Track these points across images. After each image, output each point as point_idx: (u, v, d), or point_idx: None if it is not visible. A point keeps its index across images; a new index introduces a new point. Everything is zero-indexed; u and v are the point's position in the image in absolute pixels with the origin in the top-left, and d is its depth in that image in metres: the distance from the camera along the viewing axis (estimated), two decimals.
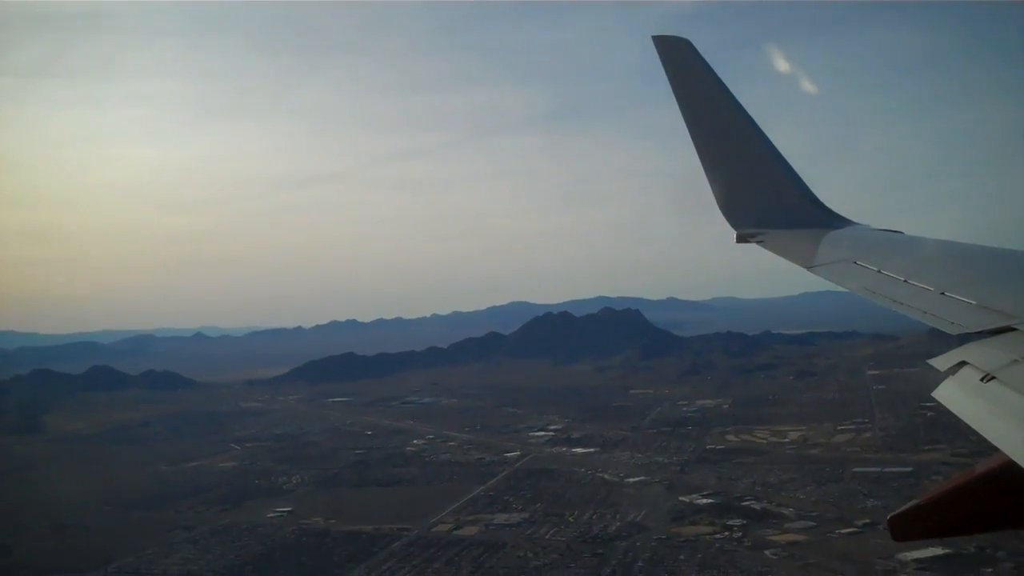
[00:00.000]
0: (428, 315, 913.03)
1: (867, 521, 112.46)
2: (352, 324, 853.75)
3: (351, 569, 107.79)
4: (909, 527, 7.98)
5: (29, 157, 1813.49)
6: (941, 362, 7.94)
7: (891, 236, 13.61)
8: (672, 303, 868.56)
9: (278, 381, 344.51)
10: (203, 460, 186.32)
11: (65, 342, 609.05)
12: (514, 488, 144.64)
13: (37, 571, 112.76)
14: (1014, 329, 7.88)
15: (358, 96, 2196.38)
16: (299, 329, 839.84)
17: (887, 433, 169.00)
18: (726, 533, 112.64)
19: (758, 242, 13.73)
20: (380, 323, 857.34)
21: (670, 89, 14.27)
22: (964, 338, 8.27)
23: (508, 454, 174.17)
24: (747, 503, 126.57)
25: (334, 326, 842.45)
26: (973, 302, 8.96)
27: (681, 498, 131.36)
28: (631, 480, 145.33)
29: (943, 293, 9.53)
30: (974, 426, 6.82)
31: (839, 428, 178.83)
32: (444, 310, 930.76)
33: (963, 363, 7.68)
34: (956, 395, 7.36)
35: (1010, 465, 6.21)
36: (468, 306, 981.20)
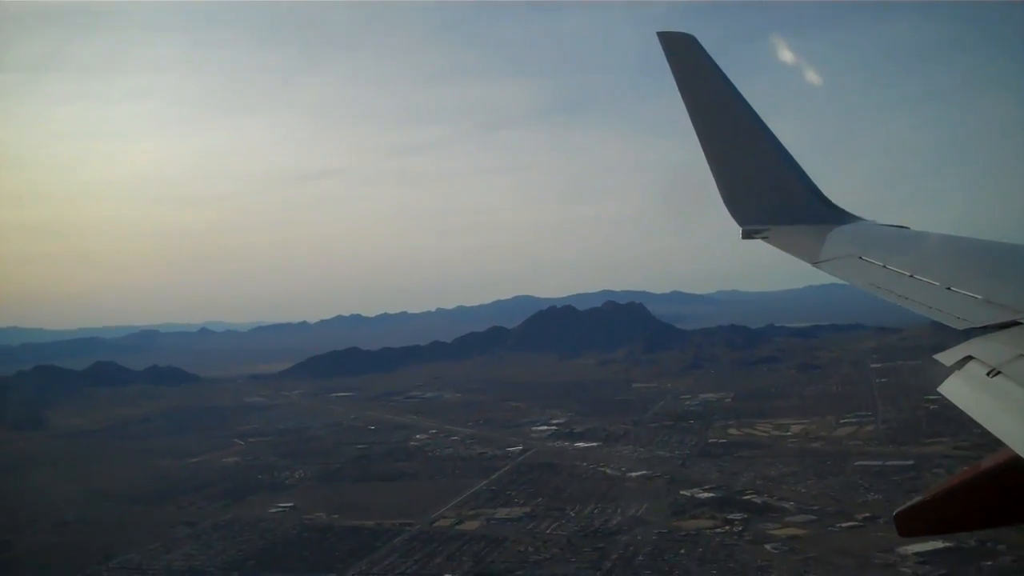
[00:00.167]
0: (432, 309, 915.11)
1: (868, 515, 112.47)
2: (356, 319, 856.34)
3: (353, 564, 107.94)
4: (915, 523, 8.04)
5: (31, 153, 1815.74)
6: (947, 357, 7.94)
7: (896, 231, 13.63)
8: (676, 296, 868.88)
9: (282, 376, 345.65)
10: (206, 455, 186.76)
11: (69, 338, 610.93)
12: (516, 483, 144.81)
13: (38, 567, 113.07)
14: (1020, 324, 7.87)
15: (362, 91, 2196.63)
16: (303, 324, 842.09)
17: (889, 426, 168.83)
18: (727, 527, 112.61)
19: (763, 238, 13.76)
20: (384, 318, 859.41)
21: (674, 84, 14.27)
22: (969, 333, 8.26)
23: (510, 448, 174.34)
24: (748, 497, 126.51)
25: (339, 321, 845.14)
26: (979, 297, 8.97)
27: (682, 492, 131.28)
28: (633, 474, 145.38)
29: (949, 288, 9.55)
30: (980, 421, 6.80)
31: (841, 421, 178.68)
32: (448, 304, 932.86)
33: (969, 358, 7.68)
34: (962, 390, 7.35)
35: (1016, 461, 6.22)
36: (472, 300, 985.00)
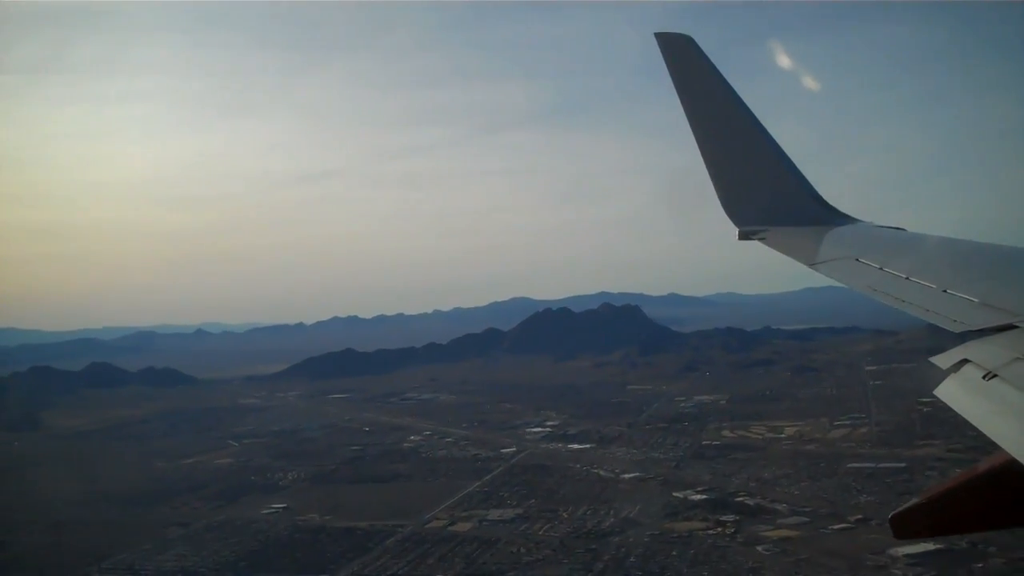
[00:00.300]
0: (429, 311, 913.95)
1: (860, 517, 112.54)
2: (353, 320, 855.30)
3: (345, 565, 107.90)
4: (911, 525, 7.99)
5: (30, 154, 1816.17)
6: (943, 360, 7.95)
7: (893, 233, 13.63)
8: (673, 299, 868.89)
9: (277, 377, 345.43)
10: (200, 456, 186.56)
11: (66, 339, 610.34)
12: (509, 484, 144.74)
13: (31, 567, 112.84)
14: (1016, 327, 7.86)
15: (360, 92, 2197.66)
16: (300, 325, 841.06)
17: (883, 429, 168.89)
18: (719, 529, 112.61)
19: (760, 239, 13.78)
20: (381, 319, 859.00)
21: (672, 85, 14.30)
22: (965, 335, 8.27)
23: (504, 450, 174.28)
24: (741, 499, 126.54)
25: (335, 322, 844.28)
26: (975, 300, 8.95)
27: (675, 494, 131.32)
28: (626, 476, 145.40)
29: (945, 291, 9.54)
30: (976, 424, 6.80)
31: (835, 424, 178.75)
32: (446, 306, 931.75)
33: (965, 361, 7.67)
34: (958, 393, 7.36)
35: (1012, 463, 6.22)
36: (469, 302, 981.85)
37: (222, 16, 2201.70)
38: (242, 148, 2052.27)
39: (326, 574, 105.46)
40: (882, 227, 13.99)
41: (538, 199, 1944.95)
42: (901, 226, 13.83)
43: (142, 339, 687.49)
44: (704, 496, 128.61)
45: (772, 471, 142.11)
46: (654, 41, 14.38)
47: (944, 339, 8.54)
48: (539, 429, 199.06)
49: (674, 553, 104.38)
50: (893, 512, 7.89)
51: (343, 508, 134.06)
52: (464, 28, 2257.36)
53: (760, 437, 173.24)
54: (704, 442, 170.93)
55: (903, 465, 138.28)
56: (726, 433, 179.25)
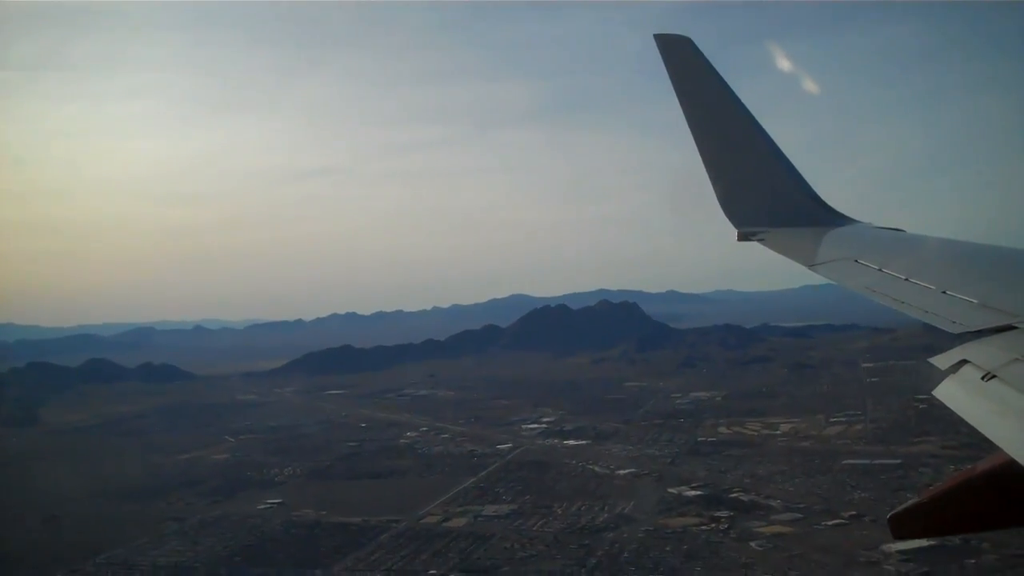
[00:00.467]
0: (428, 308, 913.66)
1: (854, 513, 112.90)
2: (352, 317, 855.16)
3: (338, 560, 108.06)
4: (909, 525, 8.05)
5: (29, 151, 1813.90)
6: (942, 360, 7.94)
7: (892, 234, 13.61)
8: (672, 296, 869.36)
9: (275, 374, 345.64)
10: (197, 452, 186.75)
11: (65, 335, 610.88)
12: (505, 480, 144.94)
13: (27, 562, 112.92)
14: (1015, 328, 7.86)
15: (359, 90, 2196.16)
16: (299, 322, 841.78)
17: (878, 426, 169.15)
18: (713, 525, 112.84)
19: (759, 240, 13.77)
20: (380, 316, 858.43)
21: (671, 85, 14.30)
22: (964, 335, 8.27)
23: (500, 446, 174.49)
24: (735, 495, 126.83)
25: (334, 319, 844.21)
26: (974, 301, 8.94)
27: (670, 490, 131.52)
28: (621, 472, 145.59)
29: (944, 292, 9.53)
30: (975, 425, 6.81)
31: (831, 420, 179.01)
32: (444, 303, 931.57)
33: (964, 362, 7.67)
34: (957, 394, 7.35)
35: (1011, 464, 6.22)
36: (468, 299, 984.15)
37: (221, 14, 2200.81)
38: (242, 145, 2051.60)
39: (320, 569, 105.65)
40: (881, 228, 14.00)
41: (537, 197, 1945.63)
42: (900, 227, 13.85)
43: (141, 335, 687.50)
44: (699, 492, 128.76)
45: (767, 467, 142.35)
46: (653, 40, 14.40)
47: (941, 337, 8.59)
48: (535, 425, 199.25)
49: (667, 549, 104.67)
50: (891, 512, 7.92)
51: (338, 504, 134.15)
52: (463, 26, 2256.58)
53: (756, 433, 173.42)
54: (700, 438, 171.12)
55: (898, 462, 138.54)
56: (722, 429, 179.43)
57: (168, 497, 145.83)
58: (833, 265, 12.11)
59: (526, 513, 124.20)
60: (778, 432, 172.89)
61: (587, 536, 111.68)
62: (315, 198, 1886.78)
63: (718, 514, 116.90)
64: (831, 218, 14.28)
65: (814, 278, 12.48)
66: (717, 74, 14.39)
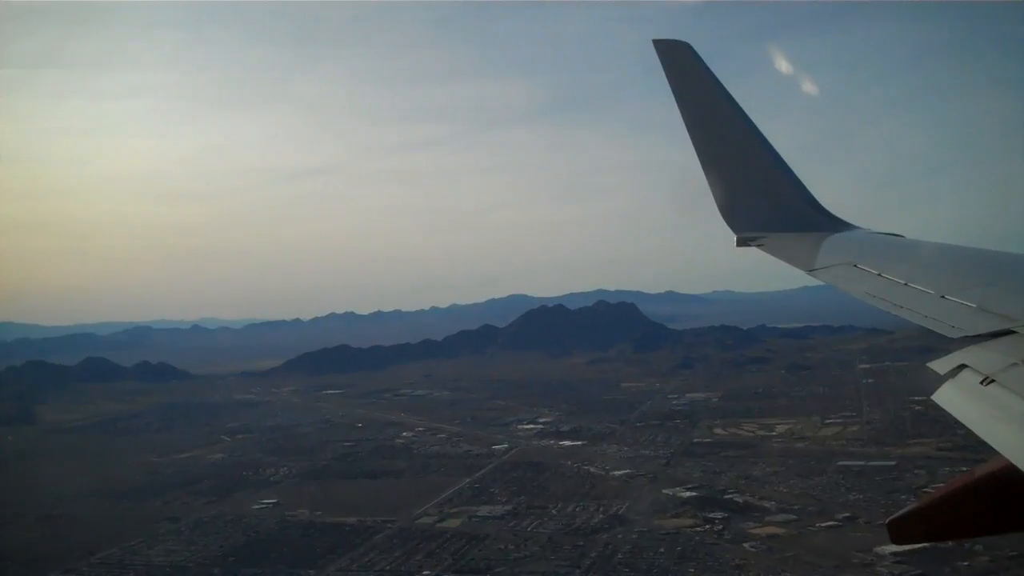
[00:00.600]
0: (426, 308, 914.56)
1: (848, 515, 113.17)
2: (350, 316, 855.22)
3: (332, 560, 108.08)
4: (909, 530, 7.98)
5: (29, 148, 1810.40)
6: (941, 365, 7.91)
7: (891, 239, 13.60)
8: (670, 296, 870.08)
9: (272, 373, 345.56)
10: (193, 452, 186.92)
11: (63, 333, 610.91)
12: (500, 480, 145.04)
13: (22, 561, 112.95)
14: (1014, 332, 7.85)
15: (358, 88, 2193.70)
16: (297, 321, 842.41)
17: (874, 427, 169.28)
18: (707, 526, 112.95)
19: (758, 246, 13.79)
20: (378, 315, 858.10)
21: (670, 88, 14.32)
22: (963, 340, 8.25)
23: (496, 447, 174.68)
24: (730, 496, 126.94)
25: (332, 318, 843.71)
26: (973, 305, 8.94)
27: (665, 491, 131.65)
28: (616, 473, 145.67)
29: (943, 296, 9.53)
30: (974, 429, 6.79)
31: (827, 422, 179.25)
32: (443, 303, 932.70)
33: (963, 366, 7.65)
34: (956, 398, 7.33)
35: (1010, 469, 6.21)
36: (467, 299, 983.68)
37: (220, 12, 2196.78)
38: (240, 143, 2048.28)
39: (314, 569, 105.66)
40: (880, 233, 14.02)
41: (537, 196, 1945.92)
42: (898, 231, 13.83)
43: (138, 334, 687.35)
44: (693, 493, 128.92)
45: (762, 469, 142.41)
46: (650, 37, 14.40)
47: (937, 339, 8.61)
48: (531, 426, 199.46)
49: (661, 550, 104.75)
50: (890, 517, 7.91)
51: (333, 504, 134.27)
52: (462, 25, 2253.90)
53: (751, 435, 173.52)
54: (695, 439, 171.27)
55: (893, 463, 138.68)
56: (717, 431, 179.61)
57: (164, 496, 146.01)
58: (832, 270, 12.11)
59: (521, 514, 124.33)
60: (774, 433, 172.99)
61: (581, 537, 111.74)
62: (314, 197, 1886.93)
63: (712, 515, 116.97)
64: (830, 223, 14.29)
65: (812, 279, 12.50)
66: (716, 79, 14.42)
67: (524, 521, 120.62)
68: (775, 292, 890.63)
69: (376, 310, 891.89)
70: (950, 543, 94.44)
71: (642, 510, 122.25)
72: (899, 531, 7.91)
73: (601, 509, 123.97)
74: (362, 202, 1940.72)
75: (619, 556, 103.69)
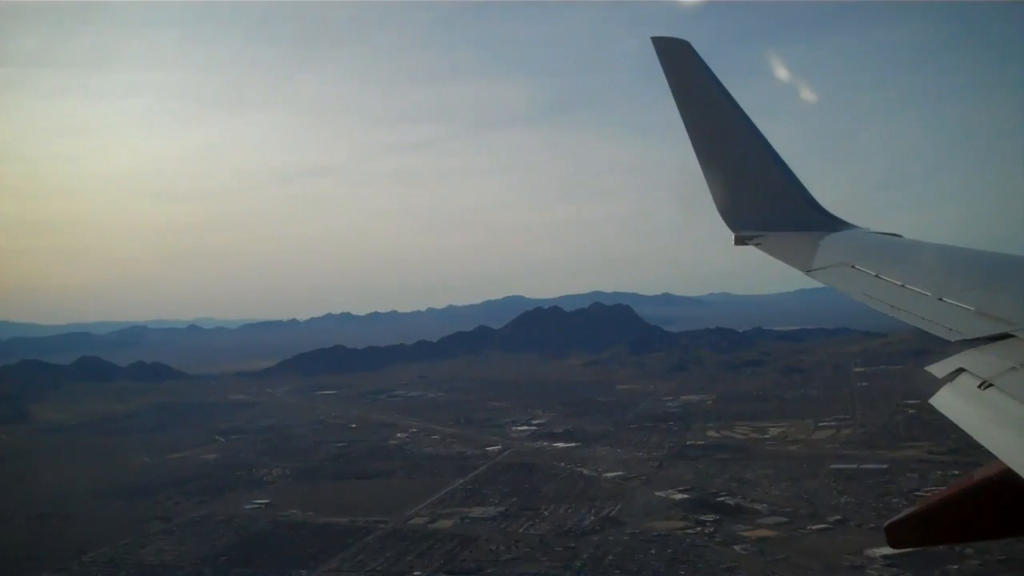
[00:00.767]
0: (423, 309, 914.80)
1: (839, 517, 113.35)
2: (346, 317, 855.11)
3: (323, 561, 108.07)
4: (906, 534, 7.98)
5: (26, 147, 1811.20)
6: (939, 369, 7.82)
7: (889, 240, 13.50)
8: (666, 298, 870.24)
9: (267, 373, 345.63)
10: (186, 452, 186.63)
11: (59, 333, 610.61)
12: (492, 482, 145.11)
13: (12, 560, 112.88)
14: (1012, 336, 7.77)
15: (355, 88, 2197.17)
16: (293, 322, 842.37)
17: (867, 430, 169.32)
18: (698, 528, 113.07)
19: (756, 245, 13.71)
20: (375, 316, 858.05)
21: (668, 87, 14.23)
22: (961, 343, 8.17)
23: (489, 448, 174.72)
24: (722, 499, 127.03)
25: (329, 319, 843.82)
26: (971, 308, 8.84)
27: (657, 493, 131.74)
28: (609, 475, 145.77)
29: (941, 299, 9.44)
30: (971, 434, 6.72)
31: (820, 425, 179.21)
32: (439, 304, 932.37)
33: (961, 370, 7.57)
34: (954, 402, 7.26)
35: (1008, 473, 6.17)
36: (463, 300, 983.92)
37: (218, 11, 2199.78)
38: (238, 143, 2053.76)
39: (304, 570, 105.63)
40: (878, 233, 13.92)
41: (534, 197, 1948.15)
42: (898, 230, 13.73)
43: (134, 334, 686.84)
44: (685, 496, 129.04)
45: (754, 471, 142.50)
46: (650, 39, 14.34)
47: (933, 342, 8.57)
48: (525, 427, 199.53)
49: (652, 552, 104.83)
50: (888, 521, 7.86)
51: (325, 504, 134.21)
52: (461, 25, 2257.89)
53: (744, 437, 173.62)
54: (688, 442, 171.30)
55: (885, 466, 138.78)
56: (711, 433, 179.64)
57: (156, 496, 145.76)
58: (830, 271, 12.01)
59: (513, 515, 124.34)
60: (767, 436, 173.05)
61: (573, 539, 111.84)
62: (311, 197, 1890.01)
63: (704, 518, 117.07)
64: (828, 223, 14.21)
65: (810, 281, 12.41)
66: (715, 78, 14.38)
67: (516, 522, 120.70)
68: (772, 295, 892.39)
69: (372, 311, 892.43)
70: (940, 546, 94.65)
71: (634, 512, 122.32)
72: (897, 535, 7.91)
73: (593, 511, 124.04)
74: (360, 203, 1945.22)
75: (610, 558, 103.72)
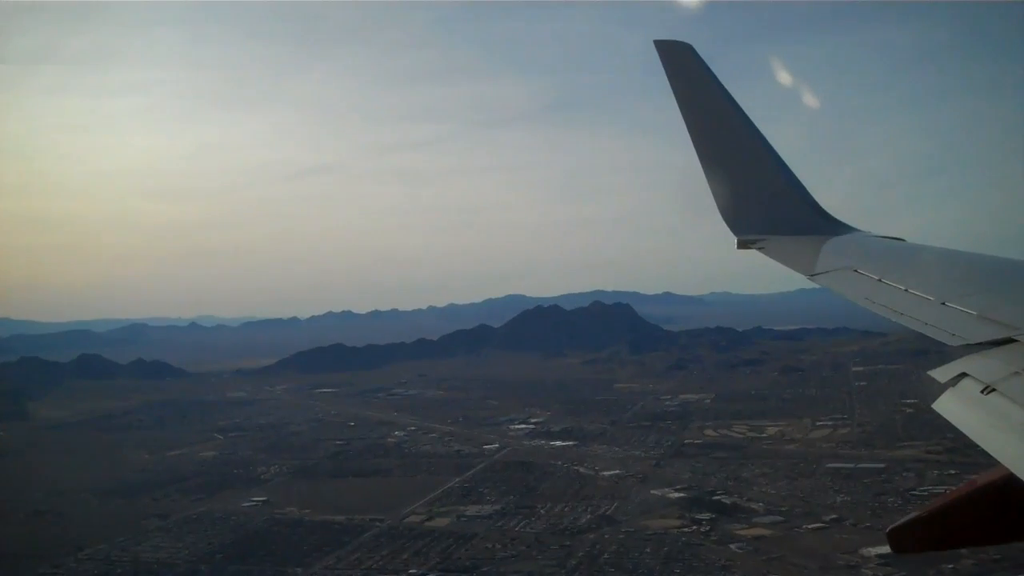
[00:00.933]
0: (424, 307, 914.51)
1: (835, 516, 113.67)
2: (347, 315, 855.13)
3: (320, 559, 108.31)
4: (909, 539, 7.90)
5: (27, 145, 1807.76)
6: (941, 373, 7.79)
7: (892, 244, 13.48)
8: (667, 297, 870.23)
9: (267, 371, 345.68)
10: (185, 449, 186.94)
11: (60, 330, 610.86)
12: (490, 480, 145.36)
13: (9, 556, 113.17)
14: (1015, 341, 7.76)
15: (357, 87, 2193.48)
16: (294, 320, 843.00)
17: (864, 429, 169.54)
18: (694, 527, 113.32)
19: (759, 248, 13.70)
20: (375, 315, 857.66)
21: (670, 87, 14.18)
22: (963, 347, 8.17)
23: (487, 446, 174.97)
24: (718, 497, 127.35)
25: (330, 317, 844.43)
26: (974, 313, 8.79)
27: (653, 492, 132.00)
28: (606, 473, 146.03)
29: (943, 303, 9.41)
30: (974, 438, 6.74)
31: (817, 424, 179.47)
32: (440, 302, 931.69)
33: (963, 375, 7.54)
34: (956, 407, 7.23)
35: (1010, 478, 6.17)
36: (465, 299, 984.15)
37: (219, 10, 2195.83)
38: (238, 141, 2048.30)
39: (300, 567, 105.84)
40: (881, 237, 13.88)
41: (536, 196, 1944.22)
42: (900, 234, 13.72)
43: (135, 331, 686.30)
44: (682, 494, 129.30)
45: (751, 470, 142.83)
46: (651, 37, 14.27)
47: (932, 343, 8.59)
48: (523, 426, 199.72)
49: (647, 550, 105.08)
50: (891, 526, 7.82)
51: (322, 502, 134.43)
52: (461, 24, 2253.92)
53: (742, 436, 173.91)
54: (686, 441, 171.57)
55: (882, 466, 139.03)
56: (708, 432, 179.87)
57: (154, 493, 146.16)
58: (832, 275, 12.01)
59: (509, 513, 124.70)
60: (764, 435, 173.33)
61: (568, 537, 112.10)
62: (312, 196, 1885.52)
63: (700, 516, 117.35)
64: (831, 226, 14.16)
65: (809, 282, 12.46)
66: (717, 81, 14.34)
67: (512, 521, 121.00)
68: (772, 294, 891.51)
69: (373, 309, 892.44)
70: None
71: (630, 510, 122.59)
72: (899, 540, 7.88)
73: (589, 509, 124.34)
74: (361, 201, 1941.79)
75: (605, 556, 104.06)
